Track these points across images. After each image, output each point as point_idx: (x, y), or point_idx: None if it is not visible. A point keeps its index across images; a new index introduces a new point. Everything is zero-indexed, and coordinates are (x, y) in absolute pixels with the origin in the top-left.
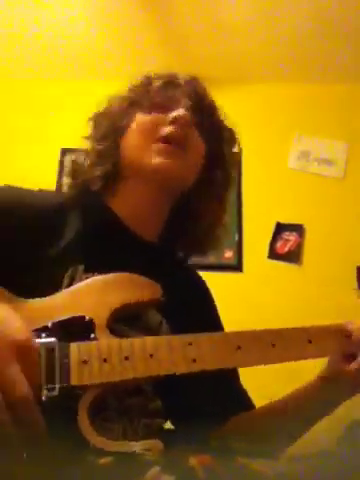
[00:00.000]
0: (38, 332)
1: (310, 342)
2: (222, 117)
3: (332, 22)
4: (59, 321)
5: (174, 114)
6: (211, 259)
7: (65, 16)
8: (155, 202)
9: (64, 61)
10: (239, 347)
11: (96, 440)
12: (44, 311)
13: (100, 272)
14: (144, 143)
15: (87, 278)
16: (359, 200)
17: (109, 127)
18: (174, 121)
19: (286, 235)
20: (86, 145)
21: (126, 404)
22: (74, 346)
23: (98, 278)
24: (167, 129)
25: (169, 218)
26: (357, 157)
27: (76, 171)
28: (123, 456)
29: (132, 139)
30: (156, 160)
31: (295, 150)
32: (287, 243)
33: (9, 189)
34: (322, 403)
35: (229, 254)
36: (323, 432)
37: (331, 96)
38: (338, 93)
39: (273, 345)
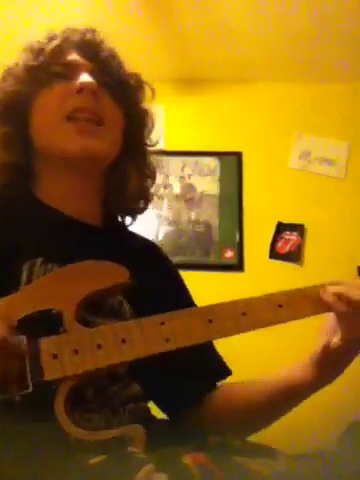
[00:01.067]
0: None
1: (280, 306)
2: (122, 65)
3: (332, 22)
4: (26, 317)
5: (79, 81)
6: (211, 259)
7: (65, 16)
8: (84, 185)
9: None
10: (210, 320)
11: (76, 432)
12: (9, 309)
13: (59, 262)
14: (54, 122)
15: (46, 269)
16: None
17: (10, 108)
18: (80, 89)
19: (287, 235)
20: None
21: (106, 394)
22: (43, 340)
23: (60, 269)
24: (75, 100)
25: (103, 195)
26: (358, 157)
27: None
28: (115, 455)
29: (39, 119)
30: (73, 141)
31: (296, 150)
32: (288, 243)
33: None
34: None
35: (230, 254)
36: (323, 432)
37: (332, 96)
38: (339, 93)
39: (243, 314)
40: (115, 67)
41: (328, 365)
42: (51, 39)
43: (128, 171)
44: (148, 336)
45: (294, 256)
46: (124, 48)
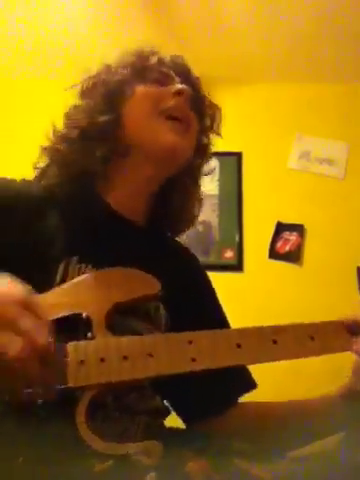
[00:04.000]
0: None
1: (312, 339)
2: (206, 93)
3: (332, 22)
4: (55, 319)
5: (177, 87)
6: (211, 259)
7: (65, 16)
8: (150, 182)
9: (64, 61)
10: (239, 345)
11: (95, 443)
12: (42, 310)
13: (94, 262)
14: (150, 116)
15: (81, 269)
16: None
17: (108, 96)
18: (178, 93)
19: (286, 235)
20: (75, 118)
21: (125, 402)
22: (71, 346)
23: (95, 274)
24: (172, 101)
25: (156, 199)
26: (358, 157)
27: (66, 155)
28: (120, 462)
29: (136, 111)
30: (170, 138)
31: (295, 150)
32: (287, 243)
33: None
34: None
35: (229, 254)
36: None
37: (331, 96)
38: (338, 93)
39: (274, 342)
40: (199, 90)
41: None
42: (152, 53)
43: (189, 191)
44: (174, 353)
45: (294, 256)
46: (124, 48)
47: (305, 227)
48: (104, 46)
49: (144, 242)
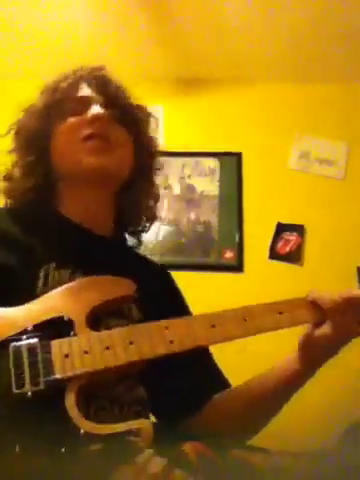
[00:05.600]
0: (19, 335)
1: (280, 313)
2: (129, 97)
3: (332, 22)
4: (39, 323)
5: (90, 113)
6: (211, 259)
7: (65, 16)
8: (99, 199)
9: (64, 61)
10: (213, 325)
11: (86, 425)
12: (24, 315)
13: (71, 268)
14: (71, 147)
15: (60, 274)
16: None
17: (32, 141)
18: (93, 120)
19: (287, 235)
20: (12, 159)
21: (115, 393)
22: (55, 343)
23: (71, 284)
24: (88, 130)
25: (115, 210)
26: (358, 157)
27: (8, 187)
28: (115, 442)
29: (58, 147)
30: (88, 160)
31: (295, 150)
32: (288, 243)
33: None
34: (308, 365)
35: (229, 254)
36: (323, 432)
37: (331, 96)
38: (338, 93)
39: (245, 319)
40: (123, 99)
41: (309, 354)
42: (65, 78)
43: (138, 192)
44: (153, 338)
45: (294, 257)
46: (124, 48)
47: (305, 227)
48: (104, 46)
49: (111, 250)
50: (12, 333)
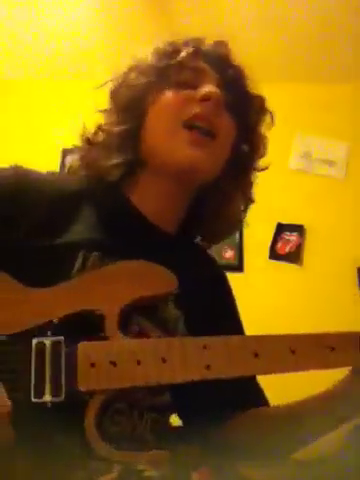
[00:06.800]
0: (44, 328)
1: (332, 349)
2: (248, 85)
3: (333, 22)
4: (66, 315)
5: (204, 90)
6: None
7: (65, 16)
8: (176, 195)
9: (64, 61)
10: (256, 354)
11: (102, 449)
12: (51, 302)
13: (116, 261)
14: (168, 127)
15: (101, 266)
16: None
17: (133, 103)
18: (204, 98)
19: (287, 235)
20: (100, 123)
21: (134, 397)
22: (81, 347)
23: (110, 266)
24: (197, 108)
25: (190, 208)
26: (358, 157)
27: (89, 162)
28: (124, 473)
29: (155, 124)
30: (184, 152)
31: (296, 150)
32: (288, 243)
33: (22, 170)
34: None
35: (230, 254)
36: (325, 437)
37: (332, 96)
38: (339, 93)
39: (293, 352)
40: (241, 85)
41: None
42: (185, 45)
43: (231, 194)
44: (188, 359)
45: (294, 257)
46: (124, 48)
47: (305, 228)
48: (104, 46)
49: (169, 248)
50: (35, 323)
